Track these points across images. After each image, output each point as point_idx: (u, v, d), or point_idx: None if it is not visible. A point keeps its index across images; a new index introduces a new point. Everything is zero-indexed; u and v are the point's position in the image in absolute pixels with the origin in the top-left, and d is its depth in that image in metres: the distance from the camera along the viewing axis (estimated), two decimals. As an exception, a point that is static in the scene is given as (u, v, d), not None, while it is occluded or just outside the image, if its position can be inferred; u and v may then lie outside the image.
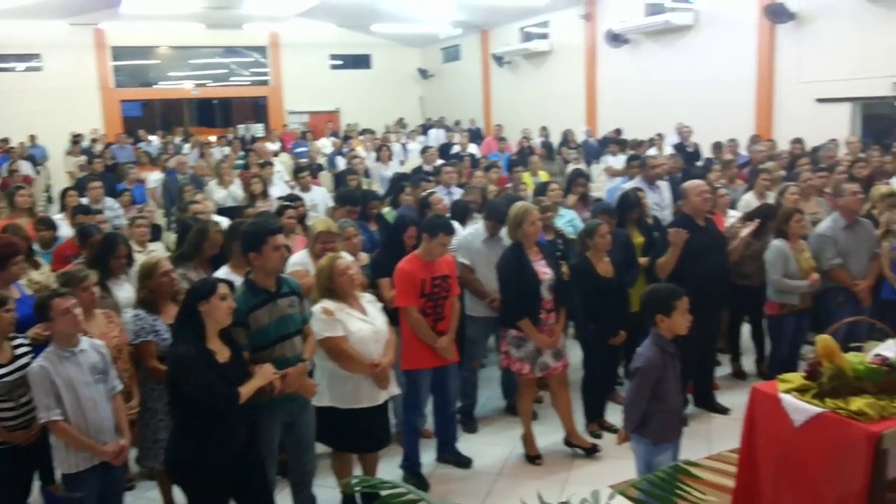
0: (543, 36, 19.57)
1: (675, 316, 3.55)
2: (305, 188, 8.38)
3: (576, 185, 6.94)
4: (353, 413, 4.02)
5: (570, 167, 11.01)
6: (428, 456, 4.89)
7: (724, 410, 5.52)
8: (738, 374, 6.23)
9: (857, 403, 3.39)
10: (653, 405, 3.54)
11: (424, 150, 11.52)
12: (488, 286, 5.17)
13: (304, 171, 8.82)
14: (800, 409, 3.54)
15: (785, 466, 3.64)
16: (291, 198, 6.71)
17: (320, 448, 4.29)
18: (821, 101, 12.10)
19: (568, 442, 5.01)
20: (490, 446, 5.17)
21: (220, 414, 3.36)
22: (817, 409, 3.47)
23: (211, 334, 3.40)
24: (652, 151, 11.76)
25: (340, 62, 25.20)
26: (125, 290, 4.63)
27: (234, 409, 3.36)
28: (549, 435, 5.12)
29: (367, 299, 4.20)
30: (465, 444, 5.11)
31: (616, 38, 16.12)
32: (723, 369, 6.30)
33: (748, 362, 6.37)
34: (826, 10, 11.84)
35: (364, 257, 5.05)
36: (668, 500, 1.88)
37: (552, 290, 4.68)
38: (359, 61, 25.38)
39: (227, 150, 14.67)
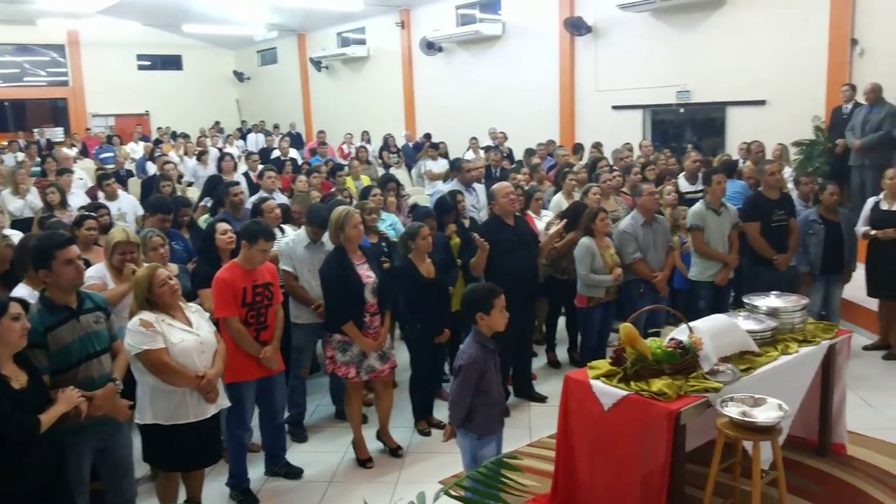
0: (361, 42, 19.68)
1: (493, 313, 3.69)
2: (111, 196, 7.83)
3: (387, 189, 7.03)
4: (180, 429, 3.80)
5: (392, 171, 11.16)
6: (257, 470, 4.75)
7: (542, 399, 5.83)
8: (553, 364, 6.60)
9: (658, 384, 3.70)
10: (477, 400, 3.66)
11: (248, 157, 11.18)
12: (312, 292, 5.12)
13: (110, 179, 8.24)
14: (608, 393, 3.80)
15: (598, 447, 3.90)
16: (94, 207, 6.24)
17: (141, 471, 4.03)
18: (616, 108, 13.16)
19: (380, 436, 5.09)
20: (321, 454, 5.11)
21: (18, 446, 3.05)
22: (623, 392, 3.74)
23: (3, 359, 3.07)
24: (469, 155, 12.19)
25: (148, 63, 23.87)
26: None
27: (36, 439, 3.06)
28: (379, 438, 5.15)
29: (192, 309, 4.00)
30: (296, 454, 5.02)
31: (430, 46, 16.58)
32: (539, 360, 6.67)
33: (562, 352, 6.77)
34: (618, 23, 12.90)
35: (174, 268, 4.81)
36: (492, 496, 1.94)
37: (376, 293, 4.71)
38: (169, 62, 24.21)
39: (21, 156, 13.37)
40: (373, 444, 5.06)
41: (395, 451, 5.02)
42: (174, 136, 16.58)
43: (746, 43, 11.00)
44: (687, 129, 12.90)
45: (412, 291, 5.08)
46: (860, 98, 8.89)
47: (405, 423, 5.40)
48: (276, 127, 19.71)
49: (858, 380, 5.86)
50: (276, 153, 13.41)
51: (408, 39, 17.77)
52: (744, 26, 11.05)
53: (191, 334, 3.84)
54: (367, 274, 4.70)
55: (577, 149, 11.53)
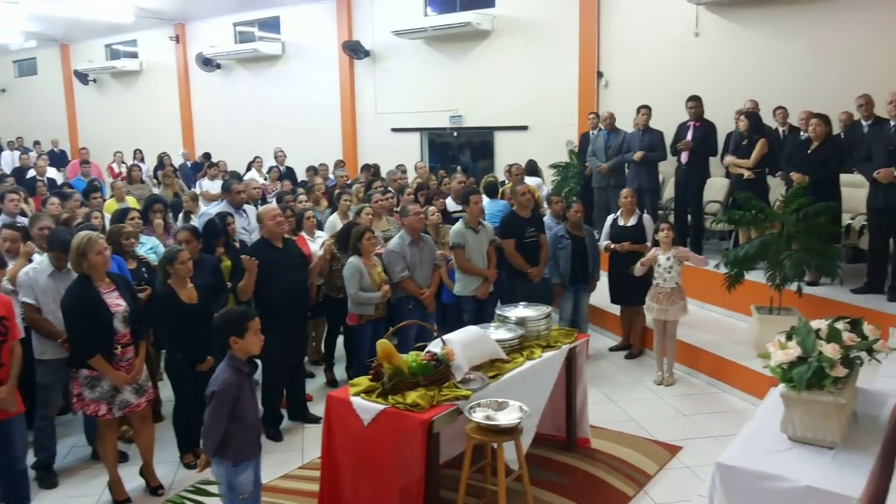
0: (132, 55, 18.61)
1: (248, 337, 3.65)
2: None
3: (153, 211, 6.71)
4: None
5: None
6: (-6, 525, 4.32)
7: (316, 420, 5.80)
8: (332, 383, 6.64)
9: (412, 396, 3.87)
10: (231, 426, 3.58)
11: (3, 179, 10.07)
12: (59, 325, 4.74)
13: None
14: (367, 408, 3.91)
15: (359, 463, 3.99)
16: None
17: None
18: (395, 130, 13.57)
19: (143, 473, 4.86)
20: (73, 499, 4.74)
21: None
22: (380, 407, 3.87)
23: None
24: (250, 175, 11.92)
25: None
26: None
27: None
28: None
29: None
30: (44, 502, 4.64)
31: (208, 63, 16.09)
32: (318, 379, 6.68)
33: (340, 370, 6.82)
34: (394, 49, 13.34)
35: None
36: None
37: (128, 322, 4.47)
38: None
39: None
40: (134, 483, 4.79)
41: (154, 489, 4.78)
42: None
43: (509, 73, 11.85)
44: (465, 151, 13.59)
45: (172, 318, 4.88)
46: (603, 125, 9.91)
47: (171, 457, 5.17)
48: (36, 143, 18.01)
49: (603, 378, 6.52)
50: (31, 173, 12.24)
51: (183, 54, 17.09)
52: (506, 58, 11.89)
53: None
54: (117, 302, 4.43)
55: (364, 168, 11.71)
